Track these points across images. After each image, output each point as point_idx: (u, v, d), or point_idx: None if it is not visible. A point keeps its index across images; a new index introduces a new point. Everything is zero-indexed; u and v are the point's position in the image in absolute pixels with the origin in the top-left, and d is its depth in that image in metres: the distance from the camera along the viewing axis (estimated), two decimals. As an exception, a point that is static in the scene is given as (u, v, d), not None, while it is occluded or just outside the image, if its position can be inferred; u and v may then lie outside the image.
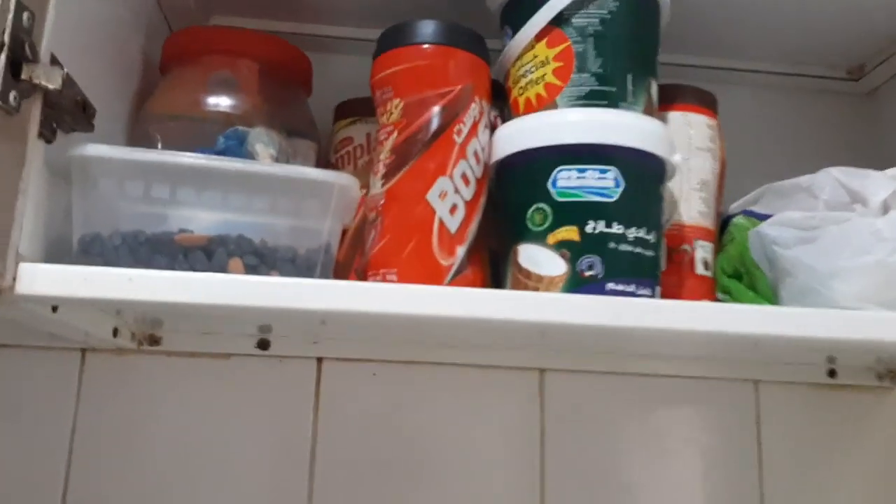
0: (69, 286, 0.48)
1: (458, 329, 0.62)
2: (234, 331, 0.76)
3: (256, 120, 0.68)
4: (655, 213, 0.60)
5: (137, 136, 0.68)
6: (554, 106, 0.59)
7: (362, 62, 0.71)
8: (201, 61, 0.69)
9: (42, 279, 0.47)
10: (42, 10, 0.48)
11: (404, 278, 0.55)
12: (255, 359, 0.77)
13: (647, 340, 0.66)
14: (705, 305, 0.53)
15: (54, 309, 0.54)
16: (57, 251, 0.53)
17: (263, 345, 0.76)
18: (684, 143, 0.69)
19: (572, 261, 0.56)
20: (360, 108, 0.72)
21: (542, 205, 0.57)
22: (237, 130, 0.66)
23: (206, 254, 0.52)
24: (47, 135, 0.51)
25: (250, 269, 0.52)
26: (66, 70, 0.49)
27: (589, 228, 0.56)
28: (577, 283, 0.56)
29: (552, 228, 0.56)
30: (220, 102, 0.68)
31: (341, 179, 0.54)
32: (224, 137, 0.66)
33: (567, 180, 0.57)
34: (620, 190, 0.57)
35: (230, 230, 0.52)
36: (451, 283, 0.56)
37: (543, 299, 0.52)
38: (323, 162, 0.74)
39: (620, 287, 0.56)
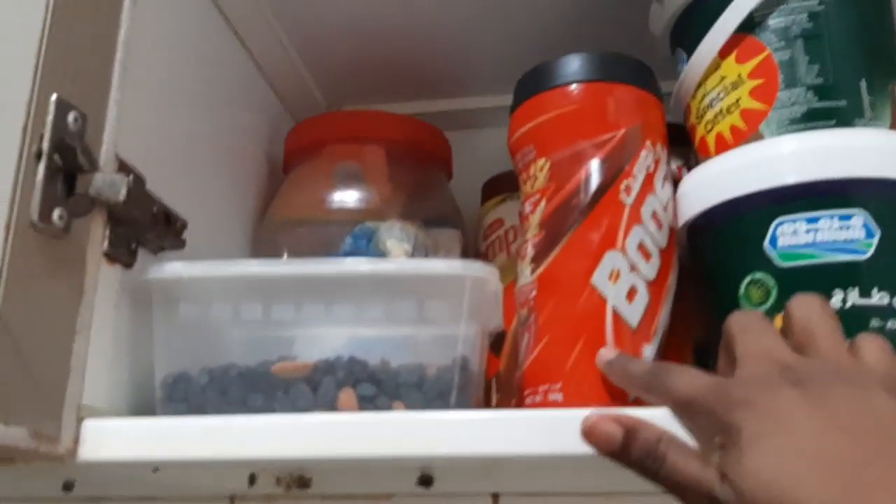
0: (142, 447, 0.38)
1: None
2: (393, 466, 0.63)
3: (389, 213, 0.57)
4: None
5: (262, 247, 0.60)
6: (759, 137, 0.43)
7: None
8: (324, 154, 0.60)
9: (112, 439, 0.38)
10: (99, 109, 0.40)
11: (572, 397, 0.40)
12: (419, 499, 0.63)
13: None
14: None
15: (155, 470, 0.44)
16: (151, 401, 0.44)
17: (426, 481, 0.63)
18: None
19: (817, 350, 0.38)
20: (510, 183, 0.59)
21: (759, 275, 0.40)
22: (365, 227, 0.56)
23: (311, 386, 0.40)
24: (123, 257, 0.43)
25: (366, 402, 0.40)
26: (131, 177, 0.40)
27: (836, 302, 0.39)
28: (829, 384, 0.38)
29: (779, 307, 0.39)
30: (346, 199, 0.58)
31: (473, 270, 0.41)
32: (351, 237, 0.56)
33: (793, 236, 0.40)
34: (875, 241, 0.39)
35: (342, 351, 0.41)
36: (639, 398, 0.40)
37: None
38: (472, 252, 0.61)
39: None
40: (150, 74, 0.46)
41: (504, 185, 0.61)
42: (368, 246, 0.55)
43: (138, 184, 0.42)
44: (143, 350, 0.43)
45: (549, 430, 0.36)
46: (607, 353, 0.40)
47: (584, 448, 0.35)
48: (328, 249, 0.56)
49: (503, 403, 0.55)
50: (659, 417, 0.33)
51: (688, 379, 0.33)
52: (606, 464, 0.51)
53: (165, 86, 0.49)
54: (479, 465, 0.49)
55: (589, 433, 0.34)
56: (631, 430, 0.33)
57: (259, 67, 0.63)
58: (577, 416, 0.35)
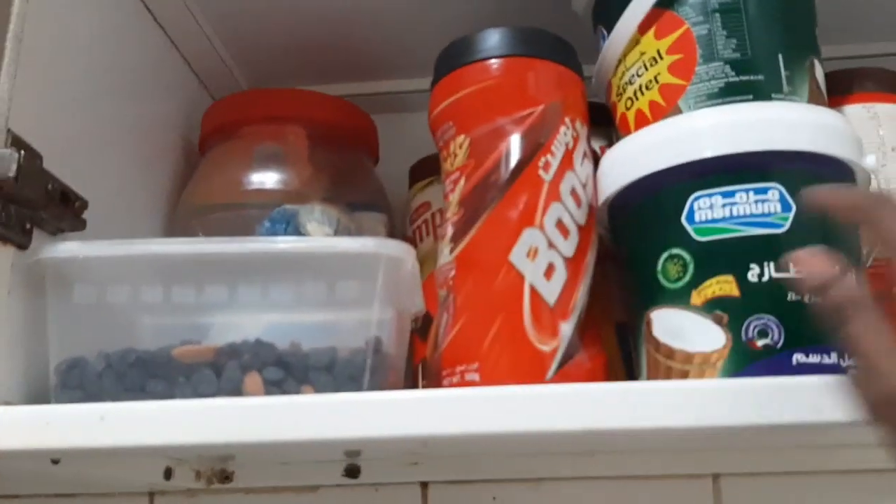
0: (33, 435, 0.35)
1: (579, 440, 0.44)
2: (318, 457, 0.61)
3: (311, 195, 0.55)
4: (849, 244, 0.41)
5: (177, 233, 0.57)
6: (677, 112, 0.42)
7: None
8: (242, 134, 0.58)
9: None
10: (-16, 79, 0.38)
11: (489, 376, 0.39)
12: (346, 490, 0.62)
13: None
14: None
15: (55, 462, 0.42)
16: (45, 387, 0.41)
17: (353, 472, 0.61)
18: (874, 143, 0.49)
19: (733, 327, 0.38)
20: (436, 166, 0.58)
21: (676, 250, 0.40)
22: (284, 210, 0.54)
23: (215, 371, 0.38)
24: (15, 238, 0.40)
25: (272, 386, 0.38)
26: (21, 153, 0.38)
27: (752, 276, 0.38)
28: (745, 360, 0.37)
29: (696, 282, 0.39)
30: (266, 180, 0.56)
31: (387, 248, 0.39)
32: (269, 221, 0.53)
33: (709, 210, 0.39)
34: (792, 214, 0.39)
35: (244, 335, 0.39)
36: (558, 375, 0.39)
37: (699, 392, 0.34)
38: (400, 236, 0.60)
39: (813, 359, 0.37)
40: (49, 47, 0.44)
41: (431, 168, 0.59)
42: (287, 230, 0.53)
43: (31, 160, 0.40)
44: (40, 337, 0.41)
45: (445, 412, 0.34)
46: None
47: (500, 426, 0.34)
48: (246, 234, 0.54)
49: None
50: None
51: None
52: (533, 445, 0.50)
53: (69, 58, 0.46)
54: (399, 448, 0.48)
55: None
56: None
57: (175, 46, 0.60)
58: (482, 396, 0.34)
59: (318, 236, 0.53)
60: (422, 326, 0.53)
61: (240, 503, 0.63)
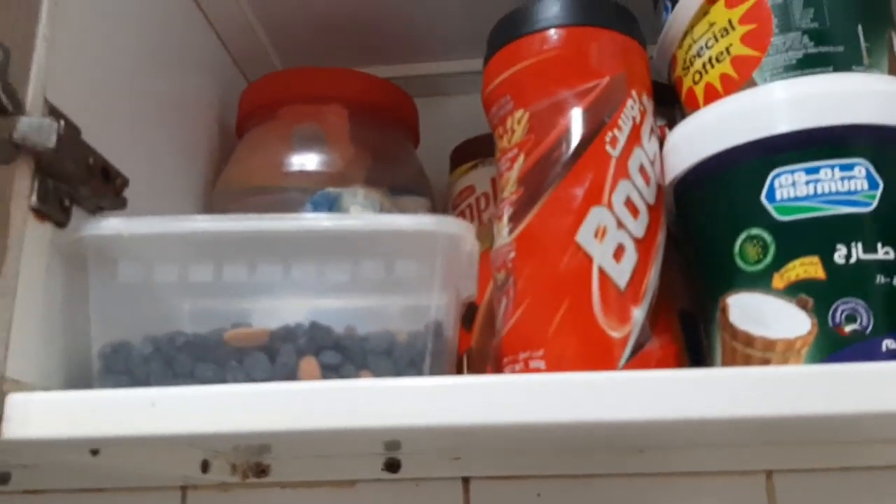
0: (76, 423, 0.33)
1: (648, 433, 0.42)
2: (357, 450, 0.59)
3: (353, 178, 0.53)
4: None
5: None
6: (752, 85, 0.40)
7: (479, 99, 0.56)
8: (281, 115, 0.56)
9: (40, 415, 0.33)
10: (26, 45, 0.36)
11: (555, 364, 0.37)
12: (386, 484, 0.59)
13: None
14: None
15: (94, 452, 0.40)
16: (86, 372, 0.39)
17: (393, 466, 0.59)
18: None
19: (819, 311, 0.35)
20: (481, 149, 0.56)
21: (755, 230, 0.37)
22: (326, 193, 0.52)
23: (269, 355, 0.36)
24: (54, 214, 0.38)
25: (330, 371, 0.36)
26: (62, 122, 0.36)
27: (839, 258, 0.36)
28: (832, 346, 0.35)
29: (778, 265, 0.36)
30: (306, 162, 0.54)
31: (447, 226, 0.37)
32: (311, 203, 0.52)
33: (791, 188, 0.37)
34: (879, 192, 0.36)
35: (300, 318, 0.37)
36: (630, 364, 0.37)
37: (780, 380, 0.31)
38: (442, 222, 0.58)
39: (907, 345, 0.35)
40: (87, 14, 0.41)
41: (475, 151, 0.57)
42: (329, 213, 0.51)
43: (71, 131, 0.38)
44: (81, 318, 0.39)
45: (518, 401, 0.32)
46: None
47: (571, 414, 0.32)
48: (286, 218, 0.52)
49: (482, 370, 0.51)
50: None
51: None
52: (584, 440, 0.48)
53: (105, 30, 0.44)
54: (453, 439, 0.46)
55: None
56: None
57: (210, 23, 0.58)
58: (555, 383, 0.32)
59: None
60: (465, 314, 0.51)
61: (275, 497, 0.61)
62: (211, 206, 0.56)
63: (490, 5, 0.59)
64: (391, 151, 0.57)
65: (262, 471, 0.60)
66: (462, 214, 0.56)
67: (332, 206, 0.52)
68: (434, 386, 0.32)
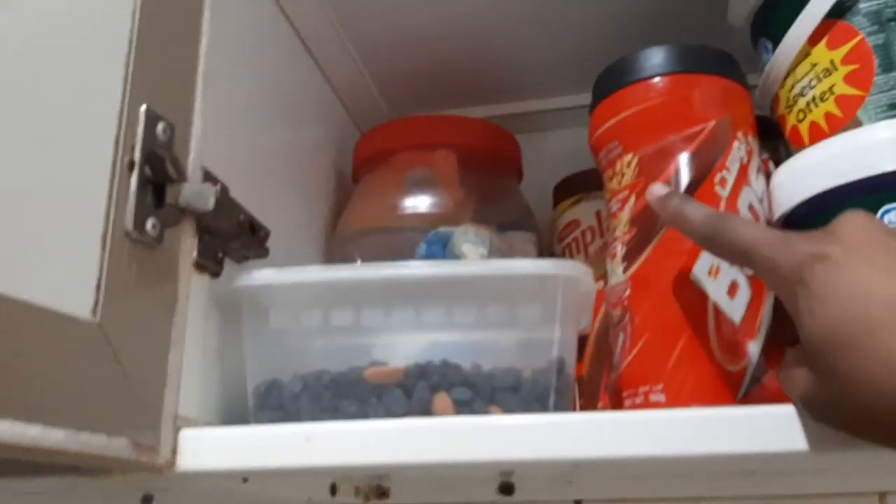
0: (240, 456, 0.37)
1: (771, 463, 0.43)
2: (472, 474, 0.62)
3: (462, 217, 0.57)
4: None
5: (335, 258, 0.59)
6: (857, 124, 0.41)
7: (579, 134, 0.58)
8: (393, 161, 0.59)
9: (209, 449, 0.37)
10: (185, 120, 0.40)
11: (675, 398, 0.39)
12: (500, 507, 0.62)
13: None
14: None
15: (245, 480, 0.44)
16: (241, 409, 0.43)
17: (507, 489, 0.61)
18: None
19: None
20: (584, 184, 0.59)
21: (867, 265, 0.38)
22: (438, 233, 0.55)
23: (404, 391, 0.39)
24: (210, 266, 0.43)
25: (461, 406, 0.39)
26: (218, 186, 0.40)
27: (953, 290, 0.37)
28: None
29: (891, 298, 0.37)
30: (419, 204, 0.57)
31: (566, 269, 0.40)
32: (426, 243, 0.55)
33: (902, 223, 0.38)
34: None
35: (432, 356, 0.40)
36: (747, 397, 0.38)
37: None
38: (546, 255, 0.60)
39: None
40: (227, 85, 0.46)
41: (578, 186, 0.60)
42: (443, 251, 0.55)
43: (225, 193, 0.42)
44: (230, 359, 0.43)
45: (647, 433, 0.34)
46: (659, 188, 0.40)
47: (693, 449, 0.34)
48: (402, 257, 0.55)
49: (587, 408, 0.53)
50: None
51: (752, 227, 0.34)
52: (701, 468, 0.49)
53: (241, 96, 0.49)
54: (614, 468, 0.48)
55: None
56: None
57: (326, 77, 0.63)
58: (680, 418, 0.34)
59: (473, 257, 0.54)
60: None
61: (394, 520, 0.64)
62: (331, 248, 0.60)
63: (584, 45, 0.63)
64: (498, 190, 0.60)
65: (382, 493, 0.64)
66: (568, 248, 0.59)
67: (445, 244, 0.55)
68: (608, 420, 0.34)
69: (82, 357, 0.33)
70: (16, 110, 0.31)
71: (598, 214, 0.58)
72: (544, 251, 0.61)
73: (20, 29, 0.32)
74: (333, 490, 0.57)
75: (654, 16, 0.60)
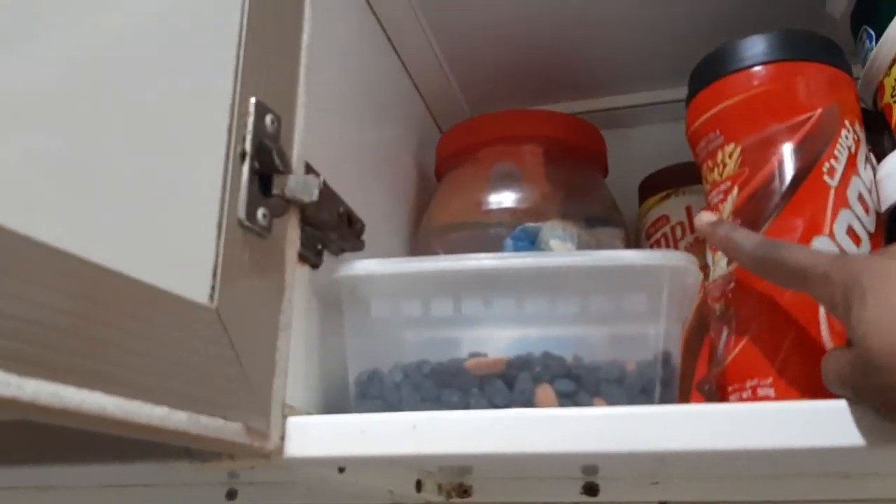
0: (343, 442, 0.37)
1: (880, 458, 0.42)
2: (555, 472, 0.62)
3: (549, 212, 0.56)
4: None
5: (420, 254, 0.60)
6: (973, 111, 0.40)
7: (663, 130, 0.58)
8: (478, 157, 0.59)
9: (315, 436, 0.38)
10: (290, 112, 0.41)
11: (784, 391, 0.38)
12: (584, 507, 0.61)
13: None
14: None
15: (341, 470, 0.44)
16: (338, 398, 0.44)
17: (591, 490, 0.61)
18: None
19: None
20: (672, 179, 0.58)
21: None
22: (526, 228, 0.55)
23: (506, 382, 0.39)
24: (311, 258, 0.43)
25: (565, 398, 0.38)
26: (321, 178, 0.41)
27: None
28: None
29: None
30: (505, 200, 0.57)
31: (674, 260, 0.39)
32: (512, 239, 0.55)
33: None
34: None
35: (533, 347, 0.40)
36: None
37: None
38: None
39: None
40: (325, 79, 0.47)
41: (666, 182, 0.59)
42: (531, 247, 0.54)
43: (326, 185, 0.43)
44: (329, 349, 0.44)
45: (760, 425, 0.33)
46: (707, 215, 0.41)
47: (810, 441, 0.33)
48: (487, 252, 0.55)
49: (680, 400, 0.52)
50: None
51: (807, 249, 0.35)
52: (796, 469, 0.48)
53: (336, 91, 0.49)
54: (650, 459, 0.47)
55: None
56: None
57: (409, 74, 0.63)
58: (795, 411, 0.33)
59: (561, 252, 0.54)
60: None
61: (475, 518, 0.64)
62: (416, 243, 0.60)
63: (669, 39, 0.62)
64: (584, 185, 0.60)
65: (464, 491, 0.63)
66: (657, 243, 0.58)
67: (532, 240, 0.55)
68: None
69: (202, 342, 0.33)
70: (138, 106, 0.32)
71: (688, 210, 0.57)
72: (631, 247, 0.61)
73: (138, 26, 0.33)
74: (419, 486, 0.57)
75: (743, 9, 0.59)
